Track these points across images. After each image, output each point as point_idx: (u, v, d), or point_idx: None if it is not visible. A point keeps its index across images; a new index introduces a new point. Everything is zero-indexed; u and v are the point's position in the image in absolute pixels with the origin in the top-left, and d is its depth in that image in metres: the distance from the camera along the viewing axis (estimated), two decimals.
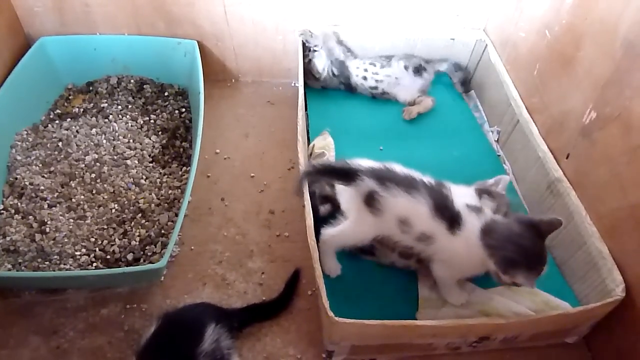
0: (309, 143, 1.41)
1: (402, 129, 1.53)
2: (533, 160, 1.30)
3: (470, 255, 0.98)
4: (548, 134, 1.28)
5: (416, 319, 1.03)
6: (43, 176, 1.34)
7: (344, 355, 1.03)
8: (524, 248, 0.94)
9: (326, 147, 1.38)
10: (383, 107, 1.60)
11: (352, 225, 1.08)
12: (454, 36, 1.67)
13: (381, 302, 1.09)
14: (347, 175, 1.04)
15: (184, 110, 1.57)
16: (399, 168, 1.06)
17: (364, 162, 1.08)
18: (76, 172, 1.36)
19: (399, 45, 1.68)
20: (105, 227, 1.24)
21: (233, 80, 1.77)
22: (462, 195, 1.08)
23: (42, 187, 1.31)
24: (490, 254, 0.95)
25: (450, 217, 0.99)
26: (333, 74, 1.60)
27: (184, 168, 1.40)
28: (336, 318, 0.91)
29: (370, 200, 1.03)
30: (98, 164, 1.38)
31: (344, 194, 1.13)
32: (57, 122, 1.50)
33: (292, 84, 1.76)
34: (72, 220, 1.25)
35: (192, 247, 1.25)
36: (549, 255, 1.18)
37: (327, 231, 1.10)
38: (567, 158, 1.21)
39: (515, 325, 0.98)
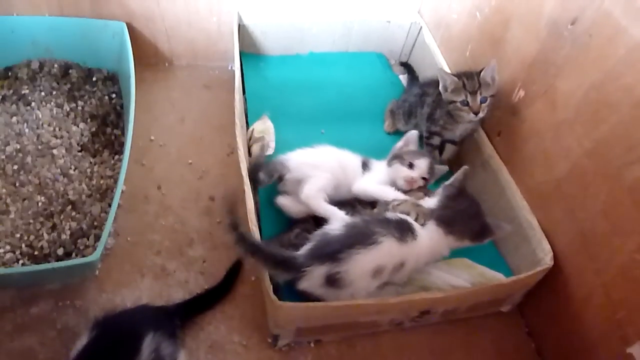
0: (247, 127, 1.38)
1: (342, 111, 1.53)
2: (468, 138, 1.34)
3: (438, 244, 1.03)
4: None
5: None
6: None
7: (290, 338, 1.03)
8: (479, 215, 1.04)
9: (266, 131, 1.36)
10: (323, 90, 1.60)
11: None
12: (390, 19, 1.69)
13: None
14: (288, 266, 0.93)
15: (114, 95, 1.50)
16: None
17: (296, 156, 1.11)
18: None
19: (336, 27, 1.67)
20: (32, 221, 1.17)
21: (166, 64, 1.70)
22: (380, 171, 1.18)
23: None
24: (460, 237, 1.03)
25: (408, 229, 0.99)
26: None
27: (117, 156, 1.34)
28: (280, 302, 0.90)
29: (331, 282, 0.93)
30: (20, 154, 1.29)
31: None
32: None
33: (229, 67, 1.72)
34: None
35: (128, 238, 1.20)
36: None
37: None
38: (498, 135, 1.25)
39: (454, 297, 1.02)
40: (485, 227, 1.04)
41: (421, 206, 1.06)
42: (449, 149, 1.37)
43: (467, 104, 1.20)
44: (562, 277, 1.04)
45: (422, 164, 1.17)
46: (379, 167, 1.21)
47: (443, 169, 1.24)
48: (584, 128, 0.97)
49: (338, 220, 1.04)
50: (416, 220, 1.02)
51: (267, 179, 1.16)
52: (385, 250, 0.95)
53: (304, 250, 0.95)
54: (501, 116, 1.23)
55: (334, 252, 0.92)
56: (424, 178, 1.17)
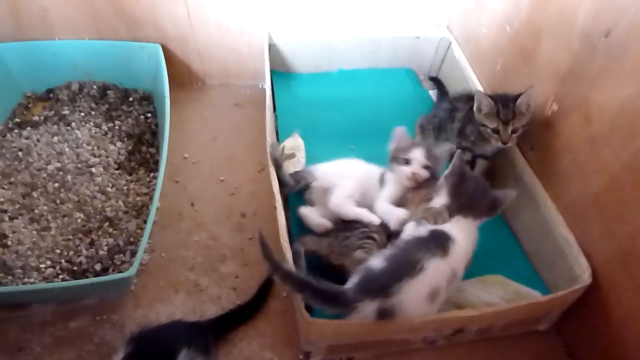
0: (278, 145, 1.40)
1: (372, 127, 1.52)
2: (500, 152, 1.33)
3: (471, 232, 1.02)
4: None
5: None
6: (3, 187, 1.30)
7: (321, 355, 1.03)
8: (487, 190, 1.04)
9: (296, 148, 1.38)
10: (352, 106, 1.60)
11: None
12: (419, 34, 1.69)
13: None
14: (337, 302, 0.90)
15: (149, 115, 1.54)
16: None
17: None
18: (38, 182, 1.32)
19: (365, 44, 1.69)
20: (71, 237, 1.21)
21: (199, 84, 1.75)
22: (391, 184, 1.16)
23: (1, 199, 1.26)
24: (479, 216, 1.02)
25: (444, 237, 0.97)
26: None
27: (152, 174, 1.37)
28: (312, 319, 0.90)
29: (385, 315, 0.90)
30: (61, 172, 1.34)
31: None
32: (16, 131, 1.45)
33: (260, 86, 1.75)
34: (35, 232, 1.21)
35: (163, 254, 1.22)
36: (518, 246, 1.22)
37: None
38: (531, 149, 1.23)
39: (488, 316, 0.99)
40: (495, 199, 1.03)
41: (431, 208, 1.03)
42: (481, 164, 1.35)
43: (498, 132, 1.18)
44: (601, 295, 1.00)
45: (416, 156, 1.14)
46: (390, 179, 1.19)
47: (447, 147, 1.20)
48: (620, 141, 0.95)
49: (373, 221, 1.06)
50: (436, 223, 1.00)
51: (294, 183, 1.18)
52: (434, 272, 0.92)
53: (352, 284, 0.92)
54: (534, 130, 1.21)
55: (383, 287, 0.89)
56: (427, 167, 1.14)
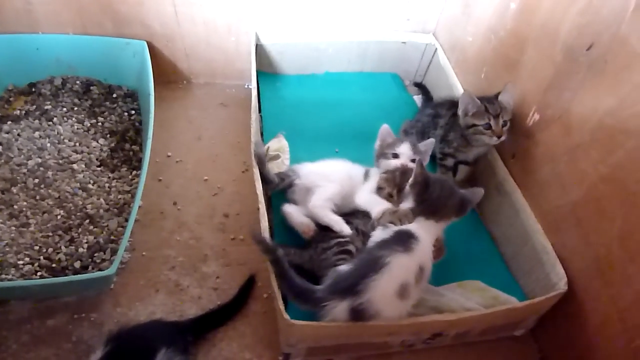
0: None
1: (356, 131, 1.53)
2: (482, 160, 1.35)
3: (435, 233, 1.05)
4: None
5: None
6: None
7: (301, 357, 1.03)
8: (453, 191, 1.06)
9: (281, 150, 1.38)
10: (338, 109, 1.61)
11: None
12: (405, 40, 1.71)
13: None
14: (306, 299, 0.94)
15: (133, 112, 1.53)
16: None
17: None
18: (18, 178, 1.29)
19: (352, 48, 1.70)
20: (51, 234, 1.19)
21: (185, 82, 1.74)
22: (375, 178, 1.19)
23: None
24: (447, 218, 1.05)
25: (407, 236, 1.00)
26: None
27: (134, 172, 1.36)
28: (292, 320, 0.90)
29: (357, 315, 0.93)
30: (42, 168, 1.32)
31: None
32: None
33: (246, 86, 1.75)
34: (14, 228, 1.19)
35: (144, 253, 1.21)
36: (497, 252, 1.24)
37: None
38: (512, 158, 1.26)
39: (467, 320, 1.01)
40: (463, 200, 1.05)
41: (398, 210, 1.06)
42: (463, 170, 1.37)
43: (490, 127, 1.21)
44: (577, 303, 1.03)
45: (404, 149, 1.19)
46: (375, 174, 1.22)
47: (430, 142, 1.25)
48: (599, 153, 0.97)
49: (344, 231, 1.09)
50: (402, 224, 1.03)
51: (278, 180, 1.19)
52: (398, 267, 0.94)
53: (323, 285, 0.96)
54: (515, 139, 1.24)
55: (349, 285, 0.92)
56: (413, 160, 1.18)
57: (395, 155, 1.19)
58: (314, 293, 0.94)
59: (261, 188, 1.12)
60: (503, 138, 1.22)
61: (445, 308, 1.04)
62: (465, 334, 1.07)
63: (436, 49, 1.68)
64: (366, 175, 1.22)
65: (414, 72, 1.80)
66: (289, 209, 1.18)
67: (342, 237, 1.09)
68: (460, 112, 1.27)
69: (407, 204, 1.07)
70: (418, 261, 0.97)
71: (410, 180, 1.08)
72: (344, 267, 0.98)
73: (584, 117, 1.01)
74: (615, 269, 0.94)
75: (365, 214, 1.14)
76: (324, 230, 1.13)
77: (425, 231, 1.02)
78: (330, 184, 1.18)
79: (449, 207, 1.04)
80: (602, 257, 0.97)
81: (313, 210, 1.14)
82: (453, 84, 1.53)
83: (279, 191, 1.23)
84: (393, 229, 1.02)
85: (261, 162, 1.18)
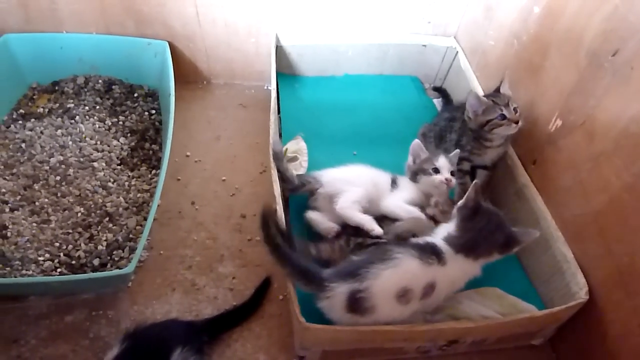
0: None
1: (375, 134, 1.54)
2: (502, 165, 1.33)
3: (471, 270, 1.01)
4: (515, 140, 1.30)
5: None
6: (5, 178, 1.30)
7: None
8: (501, 226, 1.01)
9: (299, 151, 1.38)
10: (357, 112, 1.61)
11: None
12: (426, 43, 1.70)
13: None
14: (310, 279, 0.93)
15: (153, 112, 1.54)
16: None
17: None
18: (40, 175, 1.32)
19: (371, 50, 1.69)
20: (71, 231, 1.21)
21: (205, 82, 1.75)
22: (407, 188, 1.19)
23: (3, 190, 1.26)
24: (488, 255, 1.00)
25: (431, 251, 0.98)
26: None
27: (154, 171, 1.37)
28: (308, 324, 0.90)
29: (354, 305, 0.92)
30: (63, 166, 1.34)
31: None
32: (20, 122, 1.46)
33: (265, 87, 1.75)
34: (35, 224, 1.21)
35: (161, 252, 1.22)
36: (516, 260, 1.22)
37: None
38: (533, 164, 1.24)
39: (484, 328, 1.00)
40: (510, 237, 1.00)
41: (421, 220, 1.07)
42: (481, 175, 1.36)
43: (505, 117, 1.20)
44: (597, 313, 1.01)
45: (443, 163, 1.20)
46: (407, 185, 1.22)
47: (455, 154, 1.26)
48: (623, 161, 0.95)
49: (375, 230, 1.08)
50: (439, 211, 1.04)
51: (298, 183, 1.19)
52: (405, 269, 0.93)
53: (331, 269, 0.96)
54: (537, 145, 1.22)
55: (355, 268, 0.93)
56: (452, 172, 1.20)
57: (436, 170, 1.19)
58: (319, 273, 0.93)
59: (279, 190, 1.12)
60: (521, 124, 1.21)
61: (462, 315, 1.02)
62: (482, 341, 1.06)
63: (457, 52, 1.67)
64: (394, 183, 1.22)
65: (434, 75, 1.79)
66: (313, 215, 1.18)
67: (379, 238, 1.09)
68: (470, 114, 1.25)
69: (449, 229, 1.03)
70: (431, 277, 0.95)
71: (460, 202, 1.03)
72: (355, 257, 0.98)
73: (608, 124, 0.99)
74: (638, 279, 0.91)
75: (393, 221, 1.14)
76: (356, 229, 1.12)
77: (458, 266, 0.98)
78: (355, 189, 1.17)
79: (492, 243, 0.99)
80: (624, 267, 0.94)
81: (341, 211, 1.13)
82: (474, 87, 1.51)
83: (298, 195, 1.23)
84: (425, 239, 1.01)
85: (278, 159, 1.18)
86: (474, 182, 1.04)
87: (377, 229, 1.09)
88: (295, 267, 0.93)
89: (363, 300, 0.91)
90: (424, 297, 0.96)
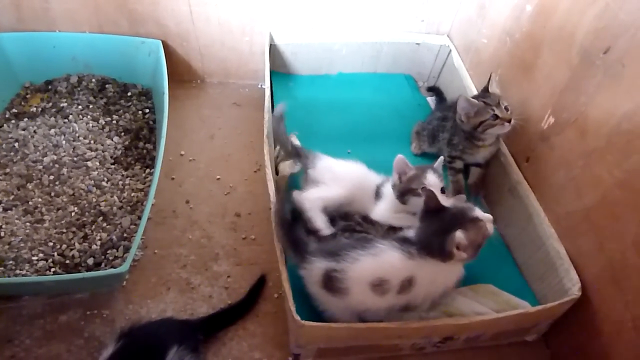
0: (275, 146, 1.40)
1: (369, 132, 1.54)
2: (495, 163, 1.34)
3: (441, 271, 0.99)
4: (508, 138, 1.31)
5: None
6: None
7: (311, 358, 1.03)
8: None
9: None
10: (351, 110, 1.61)
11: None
12: (419, 41, 1.70)
13: None
14: (298, 248, 0.99)
15: (147, 110, 1.54)
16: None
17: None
18: (33, 174, 1.31)
19: (365, 49, 1.69)
20: (65, 230, 1.20)
21: (199, 81, 1.75)
22: (393, 202, 1.15)
23: None
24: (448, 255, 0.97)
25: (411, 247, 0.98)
26: None
27: (148, 170, 1.37)
28: (303, 321, 0.90)
29: (329, 283, 0.95)
30: (57, 165, 1.34)
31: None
32: (13, 121, 1.45)
33: (259, 86, 1.75)
34: (28, 224, 1.20)
35: (156, 251, 1.22)
36: (509, 256, 1.23)
37: None
38: (527, 161, 1.24)
39: (478, 325, 1.00)
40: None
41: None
42: (475, 172, 1.37)
43: (497, 117, 1.21)
44: (591, 309, 1.01)
45: (433, 181, 1.11)
46: (390, 195, 1.16)
47: (440, 161, 1.18)
48: (615, 158, 0.96)
49: (321, 230, 1.09)
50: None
51: (293, 151, 1.24)
52: (384, 259, 0.94)
53: (317, 245, 1.01)
54: (530, 142, 1.22)
55: (336, 249, 0.96)
56: (442, 189, 1.13)
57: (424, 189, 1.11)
58: (307, 246, 0.99)
59: (273, 188, 1.12)
60: (514, 122, 1.22)
61: (456, 312, 1.03)
62: (477, 338, 1.07)
63: (450, 50, 1.67)
64: (377, 194, 1.18)
65: (427, 73, 1.79)
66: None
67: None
68: (462, 117, 1.26)
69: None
70: (410, 271, 0.95)
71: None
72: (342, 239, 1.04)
73: (600, 121, 1.00)
74: (630, 275, 0.92)
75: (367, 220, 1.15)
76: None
77: (431, 268, 0.96)
78: (335, 188, 1.16)
79: (441, 243, 0.95)
80: (617, 263, 0.95)
81: (301, 201, 1.13)
82: (467, 85, 1.52)
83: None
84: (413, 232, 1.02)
85: (276, 132, 1.21)
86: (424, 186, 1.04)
87: (324, 230, 1.09)
88: (291, 233, 1.00)
89: (337, 280, 0.94)
90: (402, 292, 0.95)
